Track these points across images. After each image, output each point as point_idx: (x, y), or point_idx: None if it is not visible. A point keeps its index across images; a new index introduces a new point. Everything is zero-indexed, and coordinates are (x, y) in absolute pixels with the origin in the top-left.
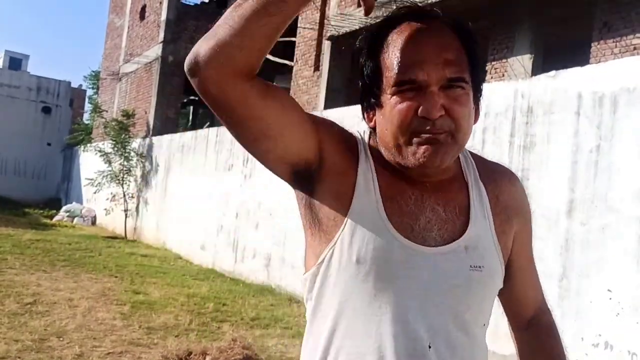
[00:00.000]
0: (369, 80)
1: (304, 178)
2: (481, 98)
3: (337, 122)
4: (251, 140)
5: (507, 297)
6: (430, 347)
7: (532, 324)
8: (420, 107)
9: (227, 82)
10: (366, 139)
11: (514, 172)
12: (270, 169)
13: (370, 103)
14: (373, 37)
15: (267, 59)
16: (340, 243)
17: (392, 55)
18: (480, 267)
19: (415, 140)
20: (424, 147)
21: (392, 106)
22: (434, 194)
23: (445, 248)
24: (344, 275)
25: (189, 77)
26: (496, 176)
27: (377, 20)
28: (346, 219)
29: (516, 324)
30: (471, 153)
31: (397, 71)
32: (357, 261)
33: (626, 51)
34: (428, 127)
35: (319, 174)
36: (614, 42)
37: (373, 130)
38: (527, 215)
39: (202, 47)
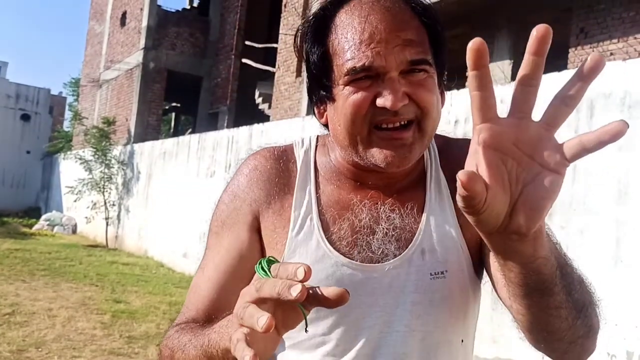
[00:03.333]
0: (317, 70)
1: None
2: (445, 82)
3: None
4: None
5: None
6: None
7: None
8: (379, 97)
9: None
10: (313, 143)
11: None
12: None
13: (319, 96)
14: (318, 19)
15: (249, 66)
16: None
17: (341, 39)
18: (442, 272)
19: (375, 137)
20: (385, 150)
21: (345, 98)
22: (390, 198)
23: (398, 259)
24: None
25: None
26: (462, 155)
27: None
28: (285, 247)
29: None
30: (436, 135)
31: (348, 57)
32: None
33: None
34: (389, 117)
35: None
36: (590, 47)
37: (325, 127)
38: None
39: None
